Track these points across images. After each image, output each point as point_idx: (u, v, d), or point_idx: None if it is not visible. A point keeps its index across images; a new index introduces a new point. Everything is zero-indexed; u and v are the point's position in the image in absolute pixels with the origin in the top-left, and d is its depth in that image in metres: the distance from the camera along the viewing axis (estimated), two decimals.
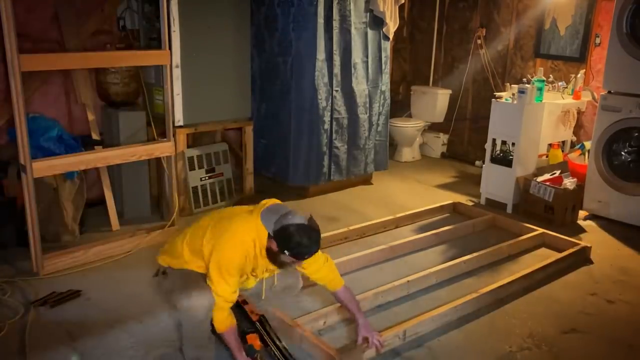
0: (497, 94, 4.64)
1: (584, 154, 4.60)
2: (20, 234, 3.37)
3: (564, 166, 4.52)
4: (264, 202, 2.37)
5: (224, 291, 2.19)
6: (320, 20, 4.24)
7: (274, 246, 2.19)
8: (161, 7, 3.39)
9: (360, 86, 4.65)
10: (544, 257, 3.54)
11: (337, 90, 4.47)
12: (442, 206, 4.39)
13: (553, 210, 4.14)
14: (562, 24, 4.92)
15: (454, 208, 4.44)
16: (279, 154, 4.65)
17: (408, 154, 5.92)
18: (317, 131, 4.42)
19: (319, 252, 2.34)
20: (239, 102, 4.31)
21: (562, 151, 4.73)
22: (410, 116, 6.11)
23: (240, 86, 4.27)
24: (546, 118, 4.46)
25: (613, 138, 4.11)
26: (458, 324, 2.80)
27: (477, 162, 5.65)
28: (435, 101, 5.83)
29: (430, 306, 2.96)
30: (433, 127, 6.09)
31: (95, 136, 3.92)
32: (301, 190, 4.61)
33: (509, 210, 4.42)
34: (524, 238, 3.75)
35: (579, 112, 4.77)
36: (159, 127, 3.90)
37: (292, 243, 2.14)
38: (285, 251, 2.16)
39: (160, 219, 3.98)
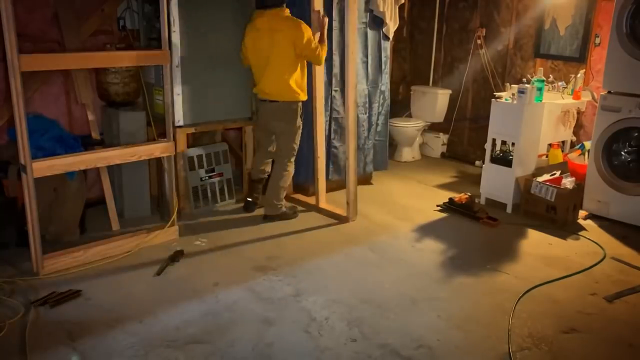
0: (497, 94, 4.64)
1: (583, 154, 4.60)
2: (21, 234, 3.37)
3: (563, 166, 4.52)
4: None
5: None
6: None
7: None
8: (161, 7, 3.39)
9: (359, 86, 4.65)
10: None
11: (336, 90, 4.46)
12: None
13: (555, 210, 4.14)
14: (562, 24, 4.92)
15: None
16: None
17: (408, 154, 5.92)
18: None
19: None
20: (239, 102, 4.31)
21: (562, 151, 4.74)
22: (410, 116, 6.11)
23: (241, 86, 4.27)
24: (546, 118, 4.46)
25: (613, 138, 4.11)
26: (458, 323, 2.81)
27: (477, 162, 5.65)
28: (435, 101, 5.83)
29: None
30: (433, 127, 6.09)
31: (95, 136, 3.92)
32: (301, 190, 4.61)
33: (509, 210, 4.42)
34: None
35: (579, 112, 4.77)
36: (159, 127, 3.91)
37: None
38: None
39: (160, 219, 3.98)
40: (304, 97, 3.89)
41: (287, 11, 3.80)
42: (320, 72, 4.11)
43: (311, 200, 4.43)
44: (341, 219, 4.13)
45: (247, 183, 4.51)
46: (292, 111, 3.87)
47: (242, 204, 4.35)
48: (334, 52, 4.36)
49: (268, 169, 4.19)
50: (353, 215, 4.14)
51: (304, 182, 4.53)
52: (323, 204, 4.34)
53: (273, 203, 4.04)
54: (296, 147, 4.02)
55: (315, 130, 4.19)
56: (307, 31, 3.71)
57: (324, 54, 3.83)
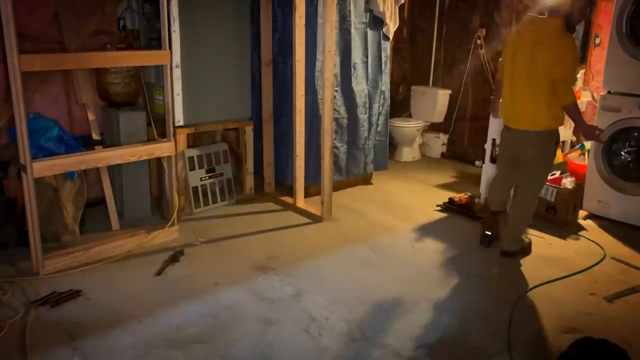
0: None
1: (583, 154, 4.60)
2: (21, 234, 3.37)
3: (564, 166, 4.52)
4: None
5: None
6: (320, 21, 4.24)
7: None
8: (161, 7, 3.39)
9: (360, 86, 4.66)
10: None
11: (336, 91, 4.46)
12: None
13: (555, 210, 4.14)
14: None
15: None
16: (279, 154, 4.65)
17: (408, 154, 5.92)
18: (317, 131, 4.41)
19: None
20: (239, 102, 4.31)
21: (562, 151, 4.73)
22: (410, 116, 6.11)
23: (240, 86, 4.28)
24: None
25: (613, 138, 4.11)
26: (458, 323, 2.81)
27: (477, 162, 5.65)
28: (435, 101, 5.83)
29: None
30: (433, 127, 6.09)
31: (95, 136, 3.92)
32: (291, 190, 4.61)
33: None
34: None
35: None
36: (159, 127, 3.91)
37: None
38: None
39: (160, 219, 3.98)
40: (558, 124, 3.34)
41: (560, 22, 3.15)
42: (300, 69, 4.07)
43: (289, 199, 4.44)
44: (315, 219, 4.13)
45: (246, 182, 4.52)
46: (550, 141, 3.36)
47: (241, 204, 4.36)
48: (334, 52, 4.35)
49: (508, 200, 3.76)
50: (327, 215, 4.14)
51: (304, 181, 4.53)
52: (300, 204, 4.35)
53: (518, 238, 3.60)
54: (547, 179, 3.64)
55: (295, 129, 4.19)
56: (573, 55, 3.13)
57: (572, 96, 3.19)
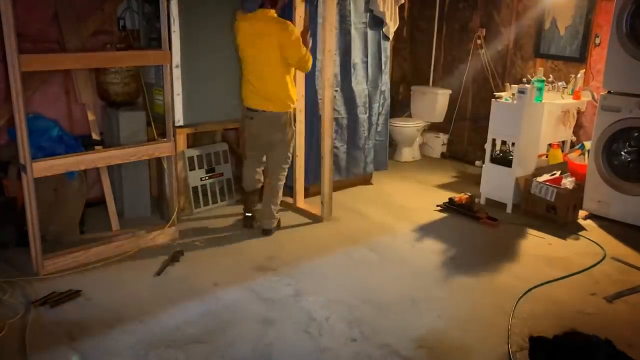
0: (497, 94, 4.64)
1: (583, 154, 4.60)
2: (21, 234, 3.37)
3: (563, 166, 4.52)
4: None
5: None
6: (320, 20, 4.23)
7: None
8: (161, 7, 3.40)
9: (360, 86, 4.66)
10: None
11: (336, 91, 4.46)
12: None
13: (555, 210, 4.14)
14: (562, 24, 4.92)
15: None
16: None
17: (408, 154, 5.92)
18: (317, 131, 4.41)
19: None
20: (239, 102, 4.30)
21: (562, 151, 4.74)
22: (410, 116, 6.11)
23: (240, 86, 4.26)
24: (546, 118, 4.46)
25: (613, 138, 4.11)
26: (458, 323, 2.81)
27: (477, 162, 5.64)
28: (435, 101, 5.83)
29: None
30: (433, 127, 6.09)
31: (95, 136, 3.91)
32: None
33: (509, 210, 4.42)
34: None
35: (579, 112, 4.77)
36: (159, 127, 3.91)
37: None
38: None
39: (160, 219, 3.98)
40: (294, 106, 3.75)
41: (273, 12, 3.53)
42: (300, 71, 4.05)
43: (289, 199, 4.43)
44: (315, 219, 4.12)
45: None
46: (285, 121, 3.67)
47: (241, 204, 4.35)
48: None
49: (262, 178, 3.96)
50: (327, 216, 4.14)
51: (304, 181, 4.53)
52: (300, 204, 4.35)
53: (273, 215, 3.86)
54: (291, 156, 3.87)
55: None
56: (295, 31, 3.50)
57: (310, 60, 3.63)
